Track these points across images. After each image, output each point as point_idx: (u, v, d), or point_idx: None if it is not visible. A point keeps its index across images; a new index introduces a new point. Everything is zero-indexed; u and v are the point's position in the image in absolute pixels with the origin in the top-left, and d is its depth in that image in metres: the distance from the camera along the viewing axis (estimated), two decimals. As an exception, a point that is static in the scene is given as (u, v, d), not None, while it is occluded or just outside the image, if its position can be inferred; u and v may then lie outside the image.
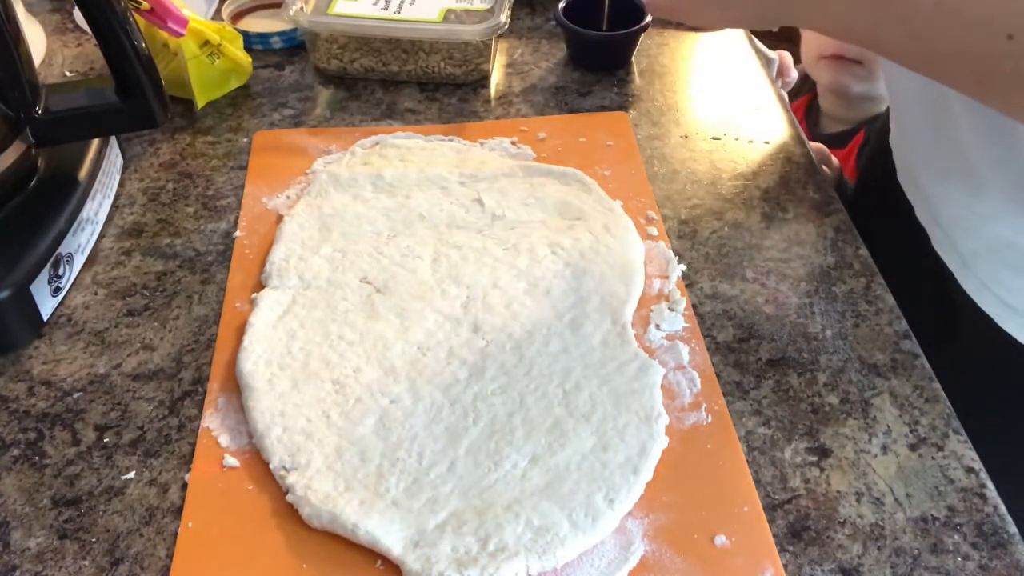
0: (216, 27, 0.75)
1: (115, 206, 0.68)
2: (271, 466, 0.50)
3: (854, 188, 0.93)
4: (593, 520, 0.47)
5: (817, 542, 0.48)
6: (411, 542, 0.46)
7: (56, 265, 0.59)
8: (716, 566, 0.46)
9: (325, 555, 0.46)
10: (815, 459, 0.52)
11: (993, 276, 0.62)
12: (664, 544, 0.47)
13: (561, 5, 0.81)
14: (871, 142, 0.87)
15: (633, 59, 0.84)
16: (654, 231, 0.65)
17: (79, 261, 0.62)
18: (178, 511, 0.49)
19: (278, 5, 0.84)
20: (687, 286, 0.62)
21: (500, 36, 0.77)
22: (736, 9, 0.59)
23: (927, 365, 0.57)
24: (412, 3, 0.80)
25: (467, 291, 0.59)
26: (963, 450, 0.52)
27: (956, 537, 0.48)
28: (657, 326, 0.58)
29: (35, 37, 0.83)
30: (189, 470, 0.50)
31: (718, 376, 0.56)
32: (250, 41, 0.82)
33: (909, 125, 0.67)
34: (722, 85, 0.81)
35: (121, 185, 0.70)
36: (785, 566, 0.47)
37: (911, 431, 0.53)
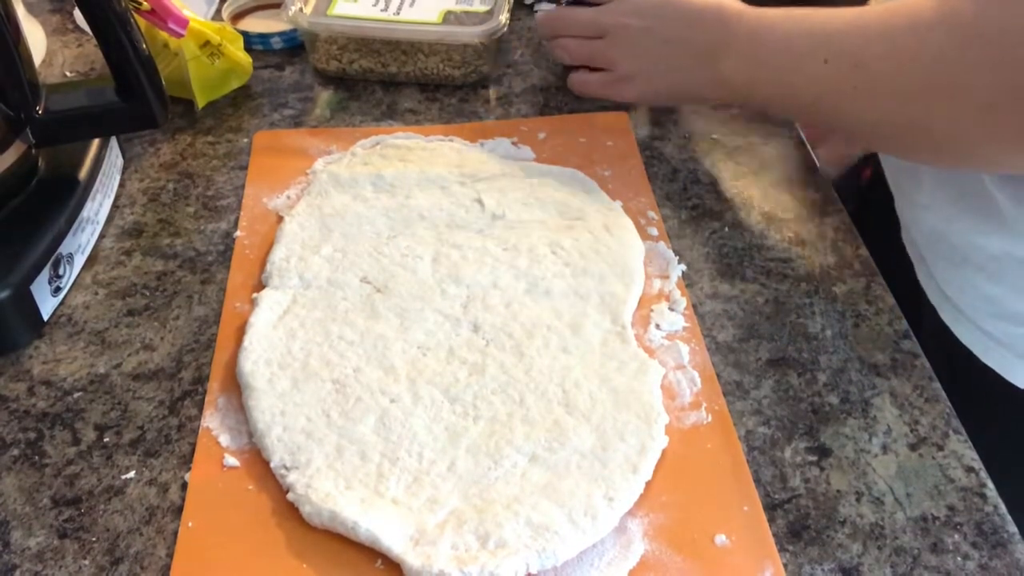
0: (216, 27, 0.75)
1: (115, 206, 0.68)
2: (272, 465, 0.50)
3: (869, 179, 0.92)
4: (593, 519, 0.47)
5: (817, 542, 0.48)
6: (411, 540, 0.46)
7: (56, 265, 0.59)
8: (716, 566, 0.46)
9: (325, 554, 0.47)
10: (815, 459, 0.52)
11: (936, 266, 0.64)
12: (664, 543, 0.47)
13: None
14: None
15: (633, 60, 0.83)
16: (654, 231, 0.65)
17: (79, 261, 0.62)
18: (178, 511, 0.49)
19: (278, 5, 0.84)
20: (687, 286, 0.62)
21: (499, 37, 0.77)
22: (641, 86, 0.70)
23: (927, 365, 0.57)
24: (412, 4, 0.80)
25: (467, 291, 0.59)
26: (963, 450, 0.52)
27: (956, 537, 0.48)
28: (657, 326, 0.58)
29: (35, 37, 0.83)
30: (189, 470, 0.50)
31: (718, 376, 0.56)
32: (250, 41, 0.82)
33: None
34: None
35: (121, 185, 0.70)
36: (785, 566, 0.47)
37: (911, 431, 0.53)
